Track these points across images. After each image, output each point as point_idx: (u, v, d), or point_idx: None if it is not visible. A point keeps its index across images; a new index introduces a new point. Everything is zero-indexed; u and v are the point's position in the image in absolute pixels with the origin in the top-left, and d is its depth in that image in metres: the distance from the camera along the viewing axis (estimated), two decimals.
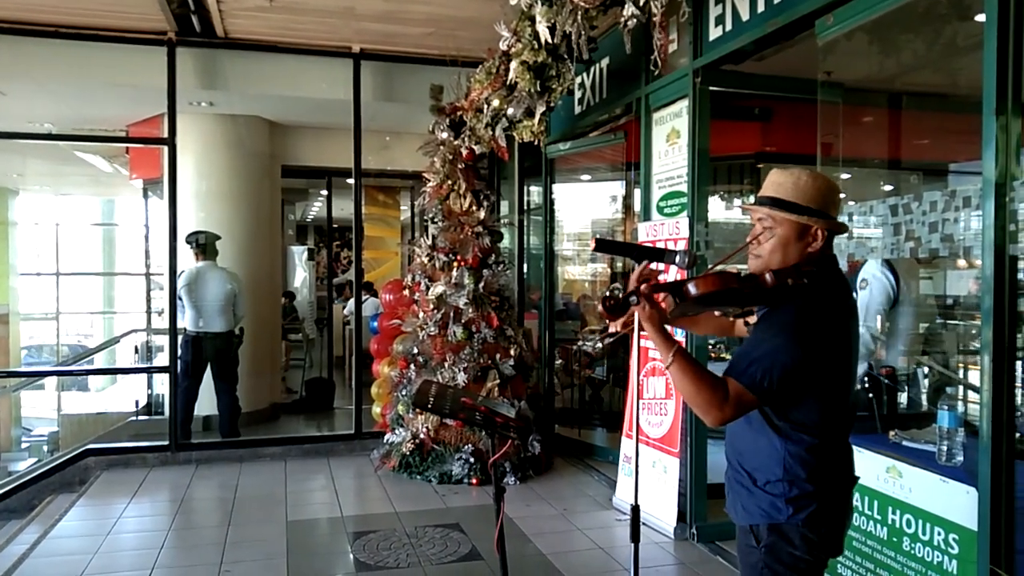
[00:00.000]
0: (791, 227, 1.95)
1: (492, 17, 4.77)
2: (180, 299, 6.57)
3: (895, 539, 3.06)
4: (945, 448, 2.95)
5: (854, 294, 3.61)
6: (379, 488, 5.56)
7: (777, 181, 2.00)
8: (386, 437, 6.01)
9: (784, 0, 3.70)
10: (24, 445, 11.18)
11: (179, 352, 6.45)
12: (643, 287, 1.90)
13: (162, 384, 7.48)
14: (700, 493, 4.44)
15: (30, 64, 6.20)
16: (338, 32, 6.11)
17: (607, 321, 1.91)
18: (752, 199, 2.07)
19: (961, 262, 4.02)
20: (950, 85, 4.90)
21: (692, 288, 1.88)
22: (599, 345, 2.08)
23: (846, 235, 3.63)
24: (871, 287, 3.65)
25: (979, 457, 2.66)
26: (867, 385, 3.77)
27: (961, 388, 4.27)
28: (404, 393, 5.85)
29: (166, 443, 6.25)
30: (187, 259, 6.77)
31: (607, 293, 1.89)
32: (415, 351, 5.87)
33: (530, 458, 5.71)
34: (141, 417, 8.34)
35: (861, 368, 3.80)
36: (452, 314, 5.74)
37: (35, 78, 6.42)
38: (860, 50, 3.78)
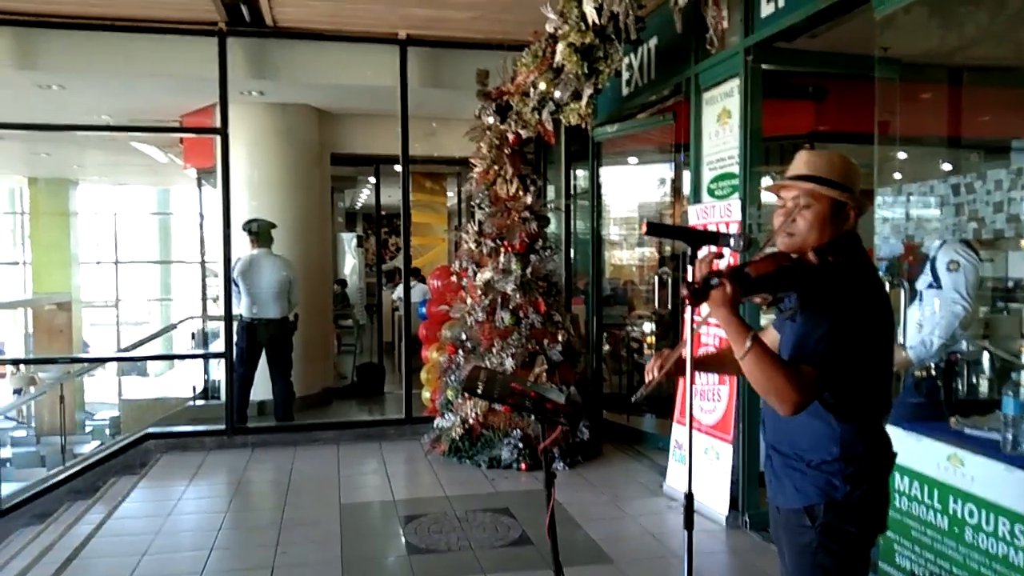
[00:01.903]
0: (828, 205, 1.96)
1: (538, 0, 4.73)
2: (236, 285, 6.69)
3: (956, 529, 2.98)
4: (1010, 436, 2.85)
5: (946, 275, 3.56)
6: (429, 472, 5.62)
7: (810, 161, 2.02)
8: (436, 422, 6.07)
9: None
10: (88, 429, 11.61)
11: (235, 338, 6.59)
12: (718, 269, 1.88)
13: (218, 369, 7.65)
14: (752, 480, 4.37)
15: (87, 58, 6.36)
16: (384, 18, 6.13)
17: (687, 304, 1.86)
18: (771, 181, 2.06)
19: None
20: (1015, 57, 4.71)
21: (751, 271, 1.87)
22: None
23: (904, 216, 3.54)
24: (963, 268, 3.55)
25: None
26: (934, 372, 3.67)
27: None
28: (453, 378, 5.88)
29: (223, 427, 6.41)
30: (242, 246, 6.89)
31: (688, 279, 1.85)
32: (463, 337, 5.90)
33: (579, 444, 5.70)
34: (198, 402, 8.56)
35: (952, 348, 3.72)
36: (500, 300, 5.75)
37: (92, 71, 6.58)
38: (919, 24, 3.65)
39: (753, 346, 1.83)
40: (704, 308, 1.89)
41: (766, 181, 4.94)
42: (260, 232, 6.96)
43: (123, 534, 4.53)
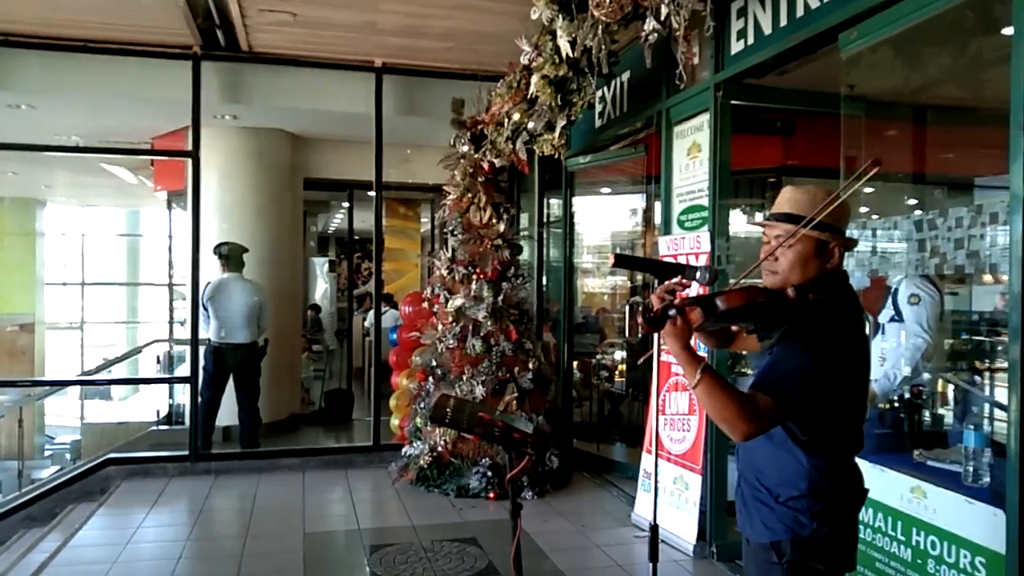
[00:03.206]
0: (810, 244, 1.96)
1: (513, 31, 4.78)
2: (205, 309, 6.61)
3: (919, 561, 3.00)
4: (971, 468, 2.90)
5: (907, 308, 3.62)
6: (396, 501, 5.55)
7: (794, 198, 2.01)
8: (404, 449, 6.01)
9: (807, 14, 3.68)
10: (47, 453, 11.30)
11: (202, 362, 6.49)
12: (676, 301, 1.88)
13: (184, 394, 7.52)
14: (720, 510, 4.37)
15: (59, 78, 6.30)
16: (360, 46, 6.16)
17: (641, 331, 1.88)
18: (762, 216, 2.08)
19: (988, 277, 3.96)
20: (976, 98, 4.84)
21: (720, 303, 1.87)
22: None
23: (870, 250, 3.60)
24: (923, 301, 3.62)
25: (1007, 478, 2.60)
26: (898, 404, 3.72)
27: (987, 406, 4.20)
28: (422, 405, 5.84)
29: (186, 453, 6.28)
30: (212, 270, 6.82)
31: (641, 307, 1.87)
32: (434, 363, 5.87)
33: (548, 473, 5.67)
34: (162, 427, 8.39)
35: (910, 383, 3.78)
36: (471, 327, 5.74)
37: (63, 92, 6.52)
38: (884, 63, 3.74)
39: (703, 376, 1.84)
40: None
41: (735, 214, 5.01)
42: (230, 256, 6.89)
43: (79, 563, 4.40)
